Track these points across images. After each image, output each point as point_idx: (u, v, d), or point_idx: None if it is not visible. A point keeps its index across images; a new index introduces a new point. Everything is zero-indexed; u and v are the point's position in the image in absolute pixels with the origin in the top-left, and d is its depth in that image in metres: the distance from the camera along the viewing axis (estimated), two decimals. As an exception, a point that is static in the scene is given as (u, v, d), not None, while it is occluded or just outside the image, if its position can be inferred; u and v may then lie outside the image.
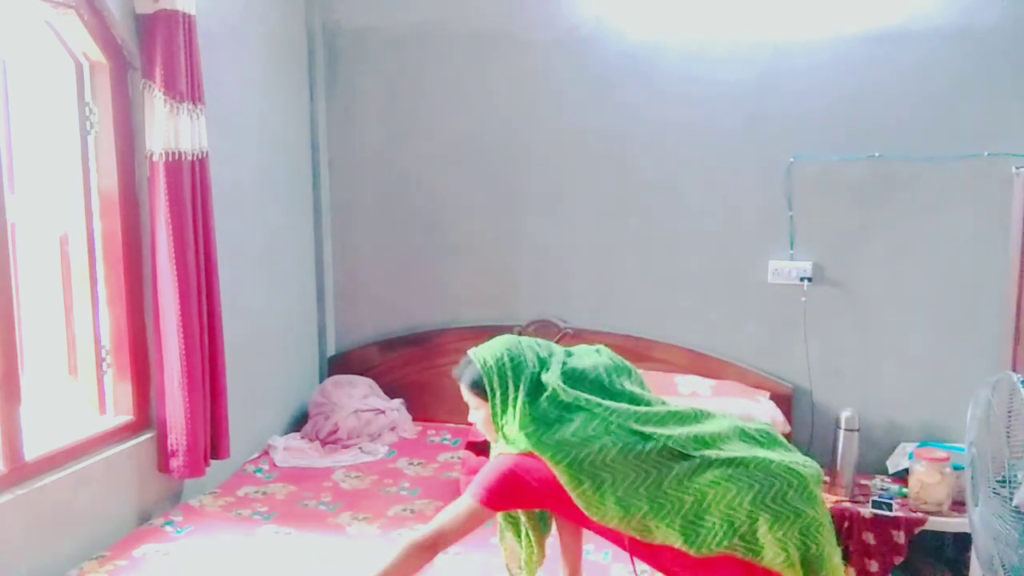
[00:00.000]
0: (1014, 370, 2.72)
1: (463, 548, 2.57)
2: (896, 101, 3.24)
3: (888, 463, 3.28)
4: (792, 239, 3.38)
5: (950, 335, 3.29)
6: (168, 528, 2.66)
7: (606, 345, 2.12)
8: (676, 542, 1.80)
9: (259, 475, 3.14)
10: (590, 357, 2.02)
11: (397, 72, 3.69)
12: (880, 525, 3.00)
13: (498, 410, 1.93)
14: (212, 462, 2.91)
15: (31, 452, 2.44)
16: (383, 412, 3.55)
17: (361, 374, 3.74)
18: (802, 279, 3.37)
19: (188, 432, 2.75)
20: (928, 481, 2.98)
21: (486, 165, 3.66)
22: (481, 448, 2.98)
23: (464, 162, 3.68)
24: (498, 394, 1.93)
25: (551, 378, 1.92)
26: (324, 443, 3.43)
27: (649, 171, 3.50)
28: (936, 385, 3.30)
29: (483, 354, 1.98)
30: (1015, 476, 2.11)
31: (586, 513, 1.83)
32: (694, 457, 1.86)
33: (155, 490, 2.85)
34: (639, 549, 1.90)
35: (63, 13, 2.54)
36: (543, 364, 1.96)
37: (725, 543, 1.79)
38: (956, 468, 2.91)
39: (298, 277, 3.72)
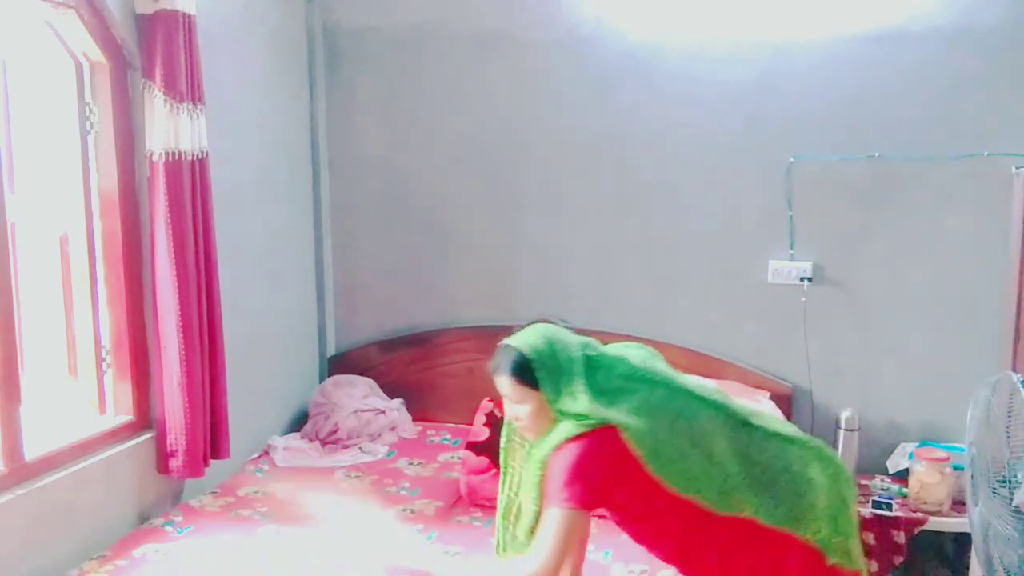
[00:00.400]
0: (1014, 370, 2.72)
1: (463, 548, 2.58)
2: (896, 101, 3.24)
3: (888, 463, 3.28)
4: (792, 239, 3.38)
5: (950, 335, 3.29)
6: (168, 528, 2.66)
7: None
8: (747, 511, 1.78)
9: (259, 475, 3.14)
10: (623, 349, 1.98)
11: (397, 72, 3.69)
12: (880, 525, 3.00)
13: (552, 395, 1.83)
14: (212, 462, 2.91)
15: (31, 452, 2.44)
16: (383, 412, 3.55)
17: (361, 374, 3.74)
18: (802, 279, 3.37)
19: (187, 432, 2.75)
20: (928, 481, 2.98)
21: (486, 165, 3.66)
22: (481, 448, 2.98)
23: (464, 162, 3.68)
24: (552, 378, 1.83)
25: (609, 349, 1.88)
26: (324, 443, 3.43)
27: (649, 171, 3.50)
28: (936, 385, 3.30)
29: (526, 340, 1.87)
30: (1015, 476, 2.11)
31: (665, 482, 1.75)
32: (755, 427, 1.86)
33: (155, 490, 2.85)
34: (680, 547, 1.86)
35: (63, 13, 2.54)
36: (585, 345, 1.89)
37: (788, 516, 1.78)
38: (956, 468, 2.91)
39: (298, 277, 3.72)
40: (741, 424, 1.86)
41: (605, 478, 1.77)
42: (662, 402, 1.82)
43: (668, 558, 1.94)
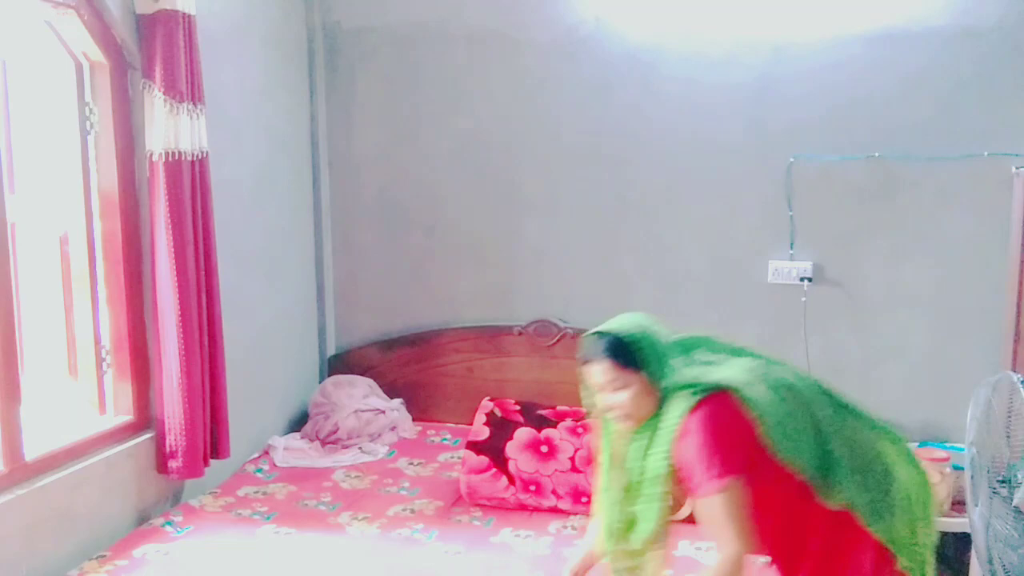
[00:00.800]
0: (1014, 370, 2.72)
1: (463, 547, 2.58)
2: (896, 101, 3.24)
3: (888, 463, 3.28)
4: (792, 239, 3.38)
5: (950, 335, 3.29)
6: (168, 528, 2.66)
7: None
8: (837, 493, 1.73)
9: (259, 475, 3.14)
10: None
11: (397, 72, 3.69)
12: (880, 525, 2.99)
13: (657, 370, 1.77)
14: (212, 462, 2.91)
15: (31, 452, 2.44)
16: (383, 412, 3.55)
17: (361, 374, 3.74)
18: (802, 279, 3.37)
19: (186, 433, 2.74)
20: (928, 481, 2.98)
21: (486, 165, 3.66)
22: (481, 448, 2.98)
23: (464, 162, 3.68)
24: (654, 353, 1.78)
25: (698, 331, 1.88)
26: (324, 443, 3.43)
27: (649, 171, 3.50)
28: (936, 385, 3.29)
29: (618, 325, 1.83)
30: (1015, 476, 2.11)
31: (775, 448, 1.68)
32: (851, 410, 1.84)
33: (155, 490, 2.85)
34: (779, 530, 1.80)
35: (63, 13, 2.54)
36: (668, 332, 1.87)
37: (870, 507, 1.74)
38: (956, 468, 2.91)
39: (298, 277, 3.72)
40: (838, 404, 1.83)
41: (742, 438, 1.70)
42: (763, 370, 1.78)
43: (766, 536, 1.80)
